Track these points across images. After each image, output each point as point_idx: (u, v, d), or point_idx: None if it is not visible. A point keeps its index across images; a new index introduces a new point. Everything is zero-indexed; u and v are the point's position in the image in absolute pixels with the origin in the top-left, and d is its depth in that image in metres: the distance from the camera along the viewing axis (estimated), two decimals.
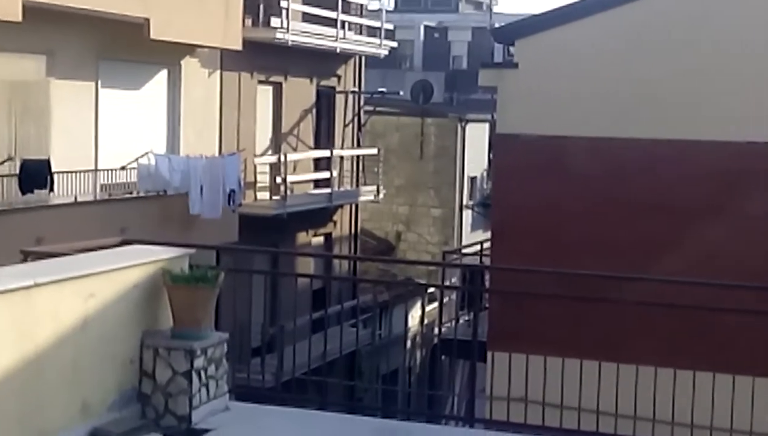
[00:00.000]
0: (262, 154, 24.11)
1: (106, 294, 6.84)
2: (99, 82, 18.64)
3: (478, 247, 18.69)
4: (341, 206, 27.41)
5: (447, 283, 19.71)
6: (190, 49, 20.55)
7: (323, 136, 26.99)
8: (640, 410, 9.32)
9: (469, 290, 14.26)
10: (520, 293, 10.58)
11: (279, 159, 23.30)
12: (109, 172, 18.50)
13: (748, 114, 13.61)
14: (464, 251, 21.44)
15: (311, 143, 26.10)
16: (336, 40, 25.48)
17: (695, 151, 13.67)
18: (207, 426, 7.14)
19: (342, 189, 26.72)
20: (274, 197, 23.37)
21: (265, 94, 24.35)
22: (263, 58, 23.42)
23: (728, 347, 12.45)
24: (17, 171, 16.04)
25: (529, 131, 14.29)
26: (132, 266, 7.15)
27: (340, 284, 25.15)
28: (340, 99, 27.60)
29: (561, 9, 14.56)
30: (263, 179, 23.33)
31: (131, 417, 7.02)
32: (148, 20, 17.95)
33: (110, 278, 6.92)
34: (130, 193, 18.87)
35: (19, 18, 15.16)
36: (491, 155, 29.28)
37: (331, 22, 25.35)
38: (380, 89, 30.56)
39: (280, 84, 24.77)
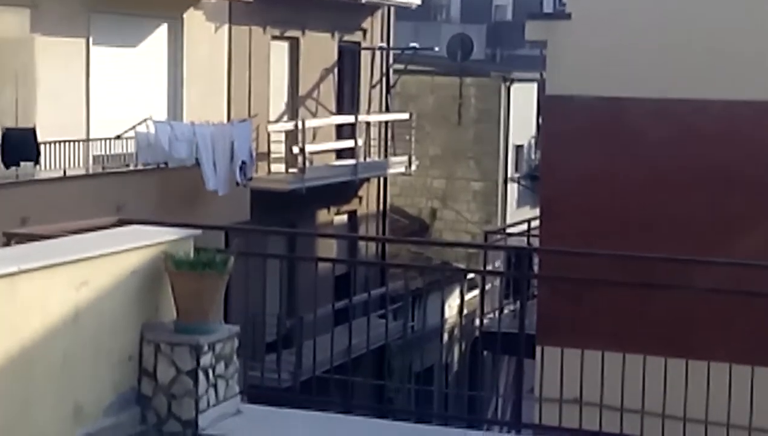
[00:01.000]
0: (277, 121, 24.14)
1: (100, 282, 6.89)
2: (90, 39, 18.72)
3: (525, 226, 18.65)
4: (368, 180, 27.42)
5: (489, 267, 19.69)
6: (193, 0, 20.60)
7: (347, 100, 26.98)
8: (712, 414, 9.29)
9: (514, 276, 14.23)
10: (573, 280, 10.55)
11: (296, 126, 23.32)
12: (103, 142, 18.59)
13: None
14: (509, 230, 21.41)
15: (333, 108, 26.10)
16: None
17: None
18: (216, 432, 7.18)
19: (368, 160, 26.72)
20: (291, 170, 23.41)
21: (279, 52, 24.35)
22: (277, 9, 23.41)
23: None
24: None
25: (584, 92, 14.20)
26: (130, 249, 7.19)
27: (367, 269, 25.18)
28: (365, 56, 27.57)
29: None
30: (278, 149, 23.37)
31: (130, 422, 7.07)
32: None
33: (105, 263, 6.96)
34: (127, 165, 18.97)
35: None
36: (540, 120, 29.17)
37: None
38: (412, 45, 30.49)
39: (297, 40, 24.77)
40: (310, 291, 16.67)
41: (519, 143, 33.82)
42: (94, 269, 6.86)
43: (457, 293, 29.81)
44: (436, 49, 32.01)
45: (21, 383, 6.35)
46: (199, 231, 7.84)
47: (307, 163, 23.27)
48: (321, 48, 25.53)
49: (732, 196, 13.78)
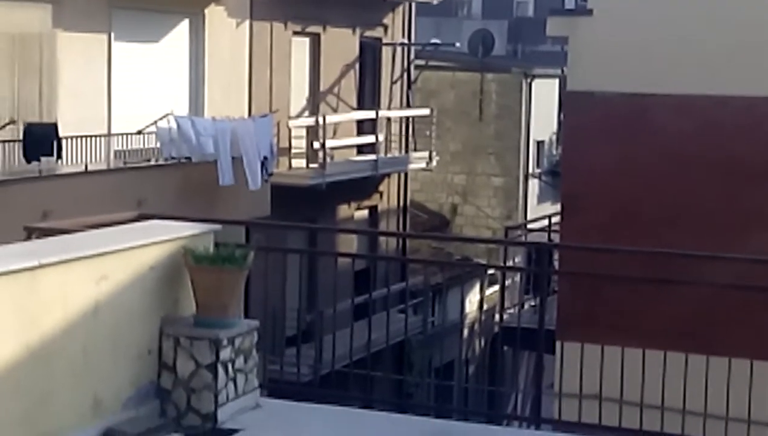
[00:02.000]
0: (298, 116, 24.14)
1: (120, 276, 6.89)
2: (112, 35, 18.75)
3: (546, 221, 18.62)
4: (388, 175, 27.40)
5: (510, 263, 19.66)
6: None
7: (367, 95, 26.96)
8: (733, 410, 9.24)
9: (534, 272, 14.22)
10: (594, 275, 10.52)
11: (317, 121, 23.32)
12: (124, 137, 18.62)
13: None
14: (530, 226, 21.37)
15: (354, 103, 26.09)
16: None
17: None
18: (235, 426, 7.18)
19: (389, 155, 26.71)
20: (312, 165, 23.42)
21: (300, 47, 24.36)
22: (299, 5, 23.42)
23: None
24: (20, 136, 16.19)
25: (606, 88, 14.15)
26: (149, 244, 7.19)
27: (387, 264, 25.18)
28: (386, 52, 27.54)
29: None
30: (299, 144, 23.38)
31: (149, 415, 7.07)
32: None
33: (125, 257, 6.97)
34: (148, 160, 19.00)
35: None
36: (561, 116, 29.08)
37: None
38: (433, 41, 30.46)
39: (318, 35, 24.76)
40: (330, 286, 16.66)
41: (540, 139, 33.75)
42: (114, 263, 6.86)
43: (477, 288, 29.80)
44: (458, 45, 31.97)
45: (40, 376, 6.36)
46: (218, 226, 7.85)
47: (328, 159, 23.27)
48: (342, 44, 25.52)
49: (753, 192, 13.71)
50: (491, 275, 29.03)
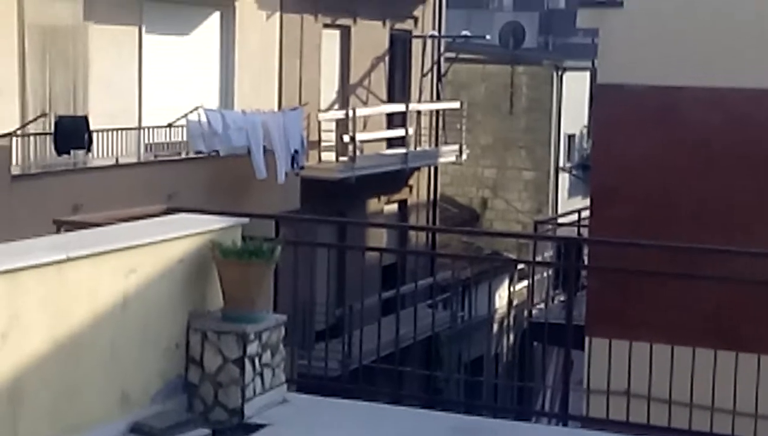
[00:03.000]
0: (328, 109, 24.17)
1: (148, 270, 6.93)
2: (143, 27, 18.83)
3: (576, 216, 18.56)
4: (418, 169, 27.40)
5: (539, 257, 19.61)
6: None
7: (397, 88, 26.96)
8: (762, 408, 9.21)
9: (563, 267, 14.18)
10: (622, 271, 10.48)
11: (347, 114, 23.34)
12: (155, 130, 18.70)
13: None
14: (560, 220, 21.30)
15: (384, 96, 26.09)
16: None
17: None
18: (262, 421, 7.21)
19: (419, 149, 26.70)
20: (341, 159, 23.44)
21: (330, 40, 24.38)
22: None
23: None
24: (52, 129, 16.28)
25: (636, 81, 14.09)
26: (177, 238, 7.23)
27: (416, 258, 25.18)
28: (417, 45, 27.53)
29: None
30: (329, 138, 23.41)
31: (176, 410, 7.12)
32: None
33: (153, 251, 7.01)
34: (179, 154, 19.07)
35: None
36: (592, 109, 29.00)
37: None
38: (463, 33, 30.42)
39: (348, 28, 24.78)
40: (360, 280, 16.71)
41: (571, 133, 33.65)
42: (142, 256, 6.90)
43: (507, 283, 29.75)
44: (488, 37, 31.90)
45: (69, 369, 6.41)
46: (246, 220, 7.87)
47: (358, 152, 23.29)
48: (372, 36, 25.52)
49: None
50: (522, 269, 28.96)
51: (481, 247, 29.93)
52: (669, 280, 10.57)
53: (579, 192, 32.08)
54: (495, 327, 30.08)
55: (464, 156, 28.18)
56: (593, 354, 9.58)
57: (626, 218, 13.79)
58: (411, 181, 27.46)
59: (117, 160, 17.31)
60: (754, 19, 13.75)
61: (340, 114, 23.70)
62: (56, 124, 16.28)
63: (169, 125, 19.05)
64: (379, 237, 23.79)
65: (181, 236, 7.27)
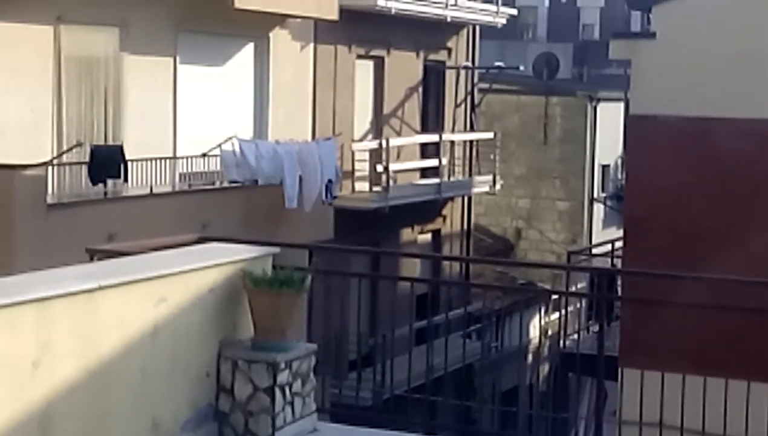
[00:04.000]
0: (361, 139, 24.23)
1: (178, 298, 6.95)
2: (177, 58, 18.96)
3: (609, 246, 18.51)
4: (452, 199, 27.39)
5: (573, 288, 19.55)
6: (279, 19, 20.77)
7: (431, 119, 27.00)
8: None
9: (596, 297, 14.12)
10: (655, 301, 10.43)
11: (380, 144, 23.39)
12: (189, 160, 18.79)
13: None
14: (594, 251, 21.24)
15: (417, 126, 26.14)
16: (446, 8, 25.47)
17: None
18: None
19: (453, 179, 26.71)
20: (375, 188, 23.48)
21: (364, 70, 24.46)
22: (363, 28, 23.52)
23: None
24: (87, 158, 16.40)
25: (669, 112, 14.07)
26: (208, 266, 7.25)
27: (449, 288, 25.14)
28: (450, 75, 27.58)
29: None
30: (362, 167, 23.46)
31: None
32: None
33: (184, 280, 7.03)
34: (212, 183, 19.15)
35: None
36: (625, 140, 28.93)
37: None
38: (497, 64, 30.48)
39: (382, 58, 24.86)
40: (393, 310, 16.71)
41: (605, 163, 33.58)
42: (173, 285, 6.92)
43: (540, 313, 29.65)
44: (522, 68, 31.93)
45: (99, 397, 6.43)
46: (276, 249, 7.88)
47: (391, 182, 23.32)
48: (406, 67, 25.59)
49: None
50: (557, 299, 28.86)
51: (515, 277, 29.85)
52: (702, 310, 10.50)
53: (613, 223, 31.96)
54: (530, 357, 29.95)
55: (498, 186, 28.15)
56: (626, 385, 9.51)
57: (659, 248, 13.74)
58: (444, 211, 27.45)
59: (151, 189, 17.39)
60: None
61: (374, 144, 23.75)
62: (91, 153, 16.39)
63: (204, 155, 19.15)
64: (413, 267, 23.77)
65: (212, 265, 7.29)
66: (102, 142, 17.10)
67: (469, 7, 26.87)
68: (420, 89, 26.29)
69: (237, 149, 18.93)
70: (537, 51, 36.64)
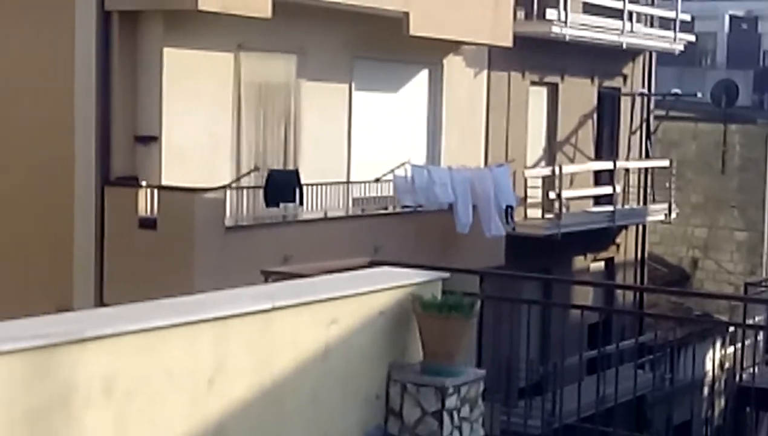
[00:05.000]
0: (534, 166, 24.15)
1: (349, 321, 7.07)
2: (353, 84, 19.24)
3: None
4: (626, 227, 27.03)
5: (750, 321, 19.06)
6: (453, 46, 20.89)
7: (605, 146, 26.73)
8: None
9: None
10: None
11: (553, 171, 23.27)
12: (363, 184, 19.03)
13: None
14: None
15: (591, 153, 25.91)
16: (622, 34, 25.21)
17: None
18: None
19: (627, 207, 26.35)
20: (547, 215, 23.35)
21: (538, 97, 24.40)
22: (537, 55, 23.48)
23: None
24: (263, 182, 16.77)
25: None
26: (379, 290, 7.35)
27: (623, 318, 24.78)
28: (625, 102, 27.28)
29: None
30: (534, 194, 23.37)
31: None
32: (407, 14, 18.41)
33: (355, 303, 7.15)
34: (385, 208, 19.34)
35: (269, 14, 15.93)
36: None
37: (617, 13, 25.12)
38: (674, 91, 29.95)
39: (556, 85, 24.76)
40: (565, 338, 16.57)
41: None
42: (344, 308, 7.04)
43: (717, 345, 28.96)
44: (699, 95, 31.30)
45: (272, 415, 6.58)
46: (446, 274, 7.94)
47: (564, 209, 23.15)
48: (580, 93, 25.42)
49: None
50: (732, 332, 28.17)
51: (691, 308, 29.23)
52: None
53: None
54: (705, 390, 29.27)
55: (673, 215, 27.64)
56: None
57: None
58: (618, 239, 27.10)
59: (326, 213, 17.67)
60: None
61: (547, 171, 23.63)
62: (268, 177, 16.74)
63: (377, 180, 19.36)
64: (585, 295, 23.51)
65: (383, 288, 7.39)
66: (278, 167, 17.46)
67: (646, 34, 26.51)
68: (594, 116, 26.06)
69: (409, 175, 19.09)
70: (716, 78, 35.91)
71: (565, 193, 23.22)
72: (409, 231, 18.73)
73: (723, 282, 32.23)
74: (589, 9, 24.63)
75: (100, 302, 15.42)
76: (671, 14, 27.62)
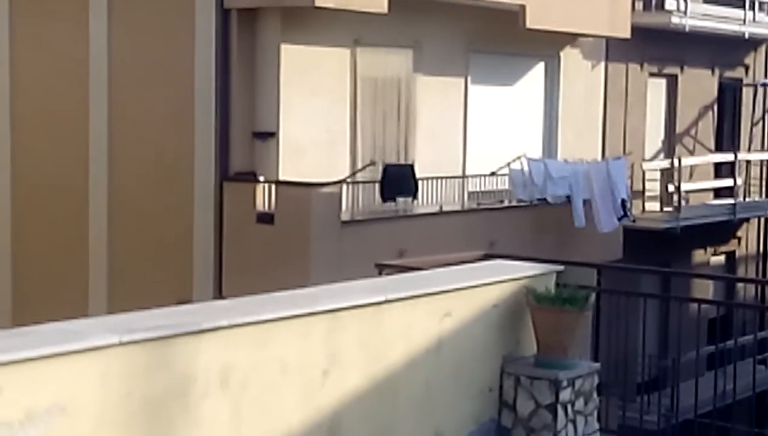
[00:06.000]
0: (652, 159, 23.84)
1: (462, 314, 7.08)
2: (468, 78, 19.22)
3: None
4: (747, 220, 26.53)
5: None
6: (570, 38, 20.73)
7: (726, 137, 26.28)
8: None
9: None
10: None
11: (672, 164, 22.95)
12: (478, 178, 18.99)
13: None
14: None
15: (711, 145, 25.49)
16: (744, 24, 24.74)
17: None
18: None
19: (748, 200, 25.86)
20: (666, 208, 23.04)
21: (656, 89, 24.09)
22: (655, 46, 23.18)
23: None
24: (379, 176, 16.85)
25: None
26: (492, 283, 7.35)
27: (744, 312, 24.32)
28: (747, 93, 26.76)
29: None
30: (653, 187, 23.07)
31: None
32: (523, 7, 18.34)
33: (468, 295, 7.15)
34: (501, 202, 19.27)
35: (385, 9, 16.00)
36: None
37: (739, 3, 24.67)
38: None
39: (675, 76, 24.40)
40: (684, 332, 16.34)
41: None
42: (457, 300, 7.05)
43: None
44: None
45: (385, 407, 6.62)
46: (560, 267, 7.91)
47: (683, 202, 22.81)
48: (700, 84, 25.02)
49: None
50: None
51: None
52: None
53: None
54: None
55: None
56: None
57: None
58: (739, 233, 26.61)
59: (441, 207, 17.68)
60: None
61: (665, 163, 23.31)
62: (383, 172, 16.81)
63: (493, 174, 19.30)
64: (705, 290, 23.14)
65: (496, 281, 7.39)
66: (394, 161, 17.52)
67: None
68: (714, 107, 25.63)
69: (526, 168, 18.99)
70: None
71: (685, 186, 22.88)
72: (525, 225, 18.65)
73: None
74: None
75: (219, 295, 15.67)
76: None
